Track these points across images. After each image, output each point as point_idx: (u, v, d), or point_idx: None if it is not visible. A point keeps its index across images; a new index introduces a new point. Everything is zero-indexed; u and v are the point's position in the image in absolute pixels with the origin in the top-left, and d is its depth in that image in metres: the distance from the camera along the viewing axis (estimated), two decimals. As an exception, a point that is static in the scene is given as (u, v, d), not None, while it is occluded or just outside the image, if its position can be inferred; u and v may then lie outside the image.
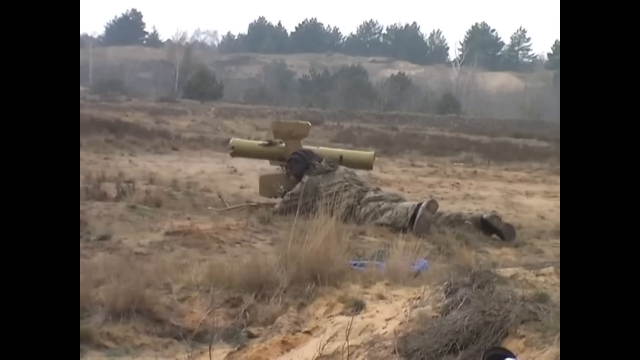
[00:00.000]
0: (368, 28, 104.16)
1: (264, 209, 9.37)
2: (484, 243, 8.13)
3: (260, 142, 10.74)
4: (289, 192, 9.28)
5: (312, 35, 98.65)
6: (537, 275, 5.83)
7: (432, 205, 8.31)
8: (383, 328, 3.88)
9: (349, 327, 3.78)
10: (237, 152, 10.58)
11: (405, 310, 4.40)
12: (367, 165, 10.84)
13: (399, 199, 8.86)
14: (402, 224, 8.02)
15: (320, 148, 10.57)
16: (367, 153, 11.43)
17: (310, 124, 10.88)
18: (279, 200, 9.77)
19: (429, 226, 7.99)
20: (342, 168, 9.64)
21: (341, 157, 10.16)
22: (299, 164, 9.49)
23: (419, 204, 8.25)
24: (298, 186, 9.18)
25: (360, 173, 12.19)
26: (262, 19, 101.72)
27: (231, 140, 11.04)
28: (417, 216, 8.02)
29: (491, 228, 8.49)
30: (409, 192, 13.23)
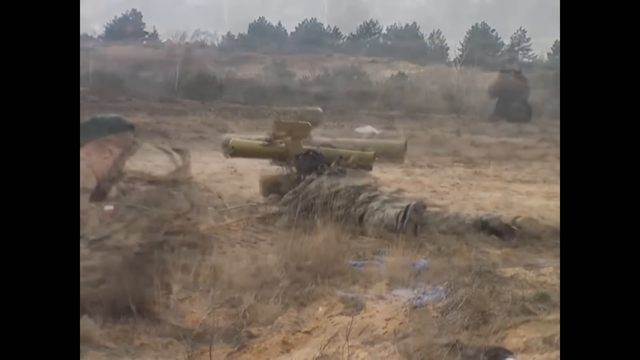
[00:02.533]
0: (368, 28, 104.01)
1: (264, 209, 9.15)
2: (484, 243, 7.76)
3: (261, 142, 10.55)
4: (290, 191, 9.01)
5: (312, 35, 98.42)
6: (537, 276, 5.80)
7: (419, 207, 7.94)
8: (383, 328, 3.87)
9: (349, 327, 3.77)
10: (237, 152, 10.48)
11: (405, 311, 4.39)
12: (366, 165, 10.42)
13: (394, 200, 8.57)
14: (394, 227, 7.72)
15: (320, 148, 10.27)
16: (366, 153, 11.00)
17: (310, 124, 10.67)
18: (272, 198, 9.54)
19: (417, 229, 7.67)
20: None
21: (340, 157, 9.89)
22: (313, 161, 9.41)
23: (407, 206, 7.90)
24: (302, 184, 8.97)
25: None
26: (262, 19, 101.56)
27: (230, 140, 10.88)
28: (406, 221, 7.70)
29: (491, 229, 8.07)
30: (409, 193, 13.00)
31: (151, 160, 4.01)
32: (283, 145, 10.01)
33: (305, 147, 10.02)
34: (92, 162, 3.88)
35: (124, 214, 3.74)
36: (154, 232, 3.82)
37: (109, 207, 3.70)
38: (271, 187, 9.82)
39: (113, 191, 3.77)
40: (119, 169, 3.82)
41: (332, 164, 9.21)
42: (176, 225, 3.86)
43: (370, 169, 10.55)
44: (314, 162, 9.40)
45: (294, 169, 9.78)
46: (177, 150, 4.13)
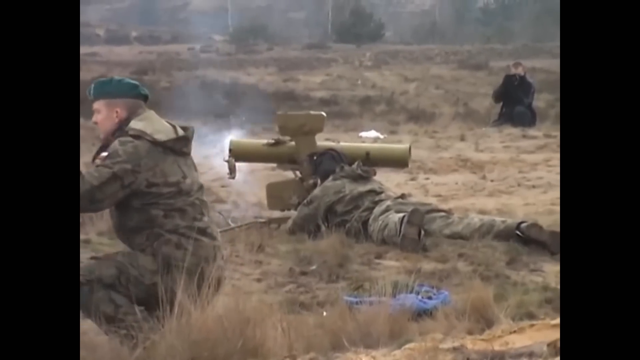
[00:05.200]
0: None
1: (275, 226, 7.71)
2: (538, 257, 6.30)
3: (265, 141, 8.65)
4: (304, 202, 7.58)
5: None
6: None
7: (414, 218, 6.62)
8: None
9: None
10: (237, 156, 8.53)
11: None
12: (400, 162, 8.57)
13: (398, 204, 7.20)
14: (397, 232, 6.65)
15: (341, 144, 8.66)
16: (399, 147, 9.09)
17: (325, 114, 8.71)
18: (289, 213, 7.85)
19: (416, 244, 6.53)
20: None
21: (367, 153, 8.18)
22: (333, 162, 7.79)
23: (402, 218, 6.69)
24: (317, 190, 7.56)
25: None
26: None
27: (230, 141, 8.85)
28: (400, 235, 6.58)
29: (530, 240, 6.60)
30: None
31: (154, 125, 4.08)
32: (293, 143, 8.31)
33: (321, 144, 8.38)
34: (100, 118, 4.03)
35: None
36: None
37: (104, 154, 3.87)
38: (280, 196, 8.18)
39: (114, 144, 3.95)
40: (123, 129, 3.96)
41: (355, 165, 7.67)
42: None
43: (405, 165, 8.83)
44: (334, 163, 7.83)
45: (307, 173, 8.13)
46: (184, 128, 4.17)
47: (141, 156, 3.86)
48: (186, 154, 4.10)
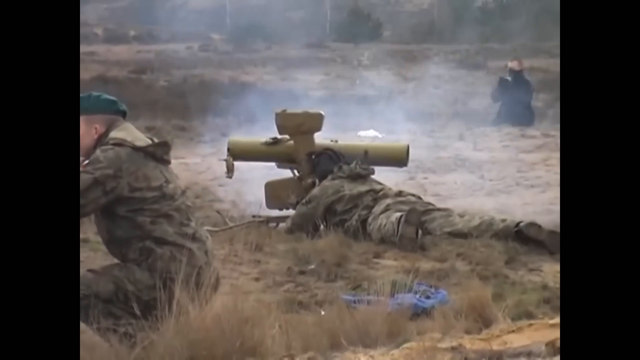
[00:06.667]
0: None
1: (275, 225, 7.77)
2: (537, 257, 6.32)
3: (264, 140, 8.58)
4: (303, 201, 7.58)
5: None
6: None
7: (412, 217, 6.62)
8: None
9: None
10: (235, 155, 8.47)
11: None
12: (398, 160, 8.54)
13: (398, 203, 7.15)
14: (394, 232, 6.63)
15: (340, 143, 8.61)
16: (398, 145, 9.17)
17: (323, 113, 8.63)
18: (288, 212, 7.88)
19: (414, 244, 6.53)
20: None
21: (366, 152, 8.15)
22: (331, 162, 7.79)
23: (400, 217, 6.66)
24: (315, 190, 7.56)
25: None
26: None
27: (228, 140, 8.92)
28: (398, 235, 6.56)
29: (529, 239, 6.61)
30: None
31: (133, 134, 4.08)
32: (291, 143, 8.28)
33: (320, 142, 8.36)
34: (80, 135, 3.96)
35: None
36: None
37: (85, 162, 3.89)
38: (279, 194, 8.13)
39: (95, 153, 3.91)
40: (103, 141, 3.98)
41: (353, 164, 7.66)
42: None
43: (404, 164, 8.73)
44: (332, 163, 7.82)
45: (305, 172, 8.10)
46: (162, 140, 4.18)
47: (122, 161, 3.85)
48: (167, 162, 4.10)
